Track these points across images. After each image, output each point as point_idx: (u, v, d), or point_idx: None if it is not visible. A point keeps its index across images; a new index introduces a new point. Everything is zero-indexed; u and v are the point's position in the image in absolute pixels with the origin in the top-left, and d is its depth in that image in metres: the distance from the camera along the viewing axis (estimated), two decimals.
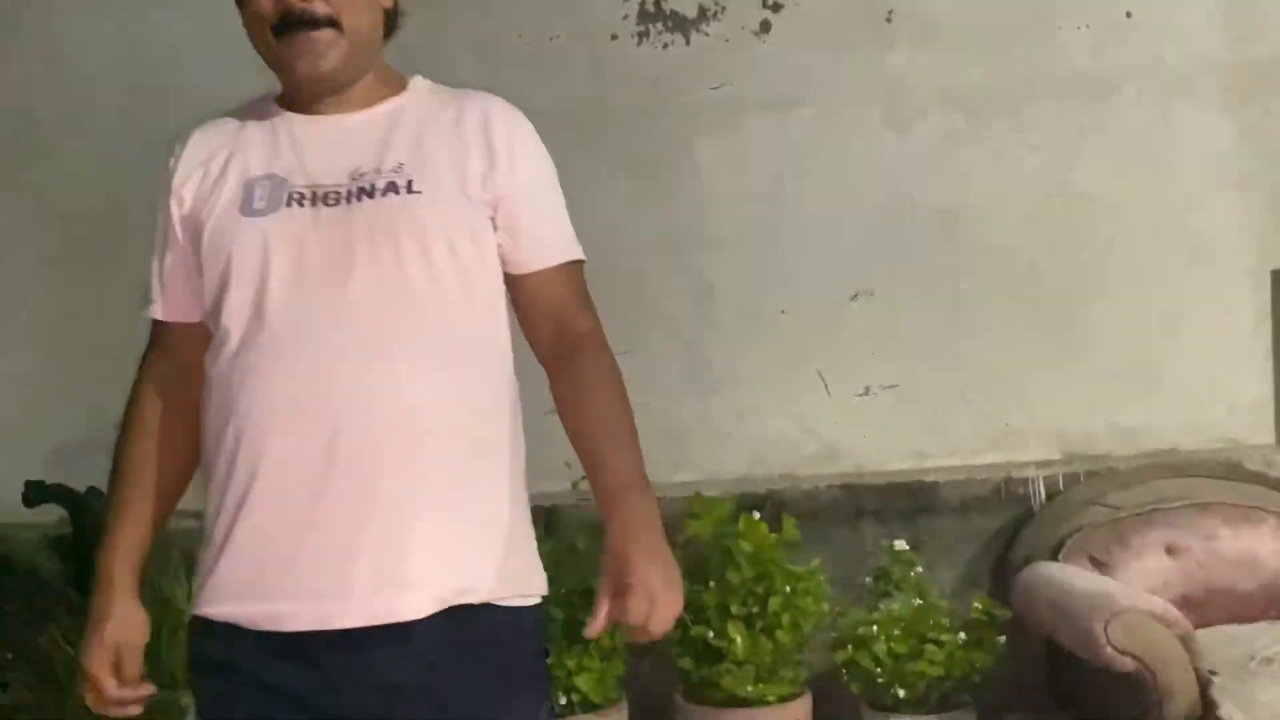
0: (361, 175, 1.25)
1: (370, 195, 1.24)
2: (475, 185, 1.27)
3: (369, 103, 1.31)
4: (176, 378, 1.32)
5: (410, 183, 1.24)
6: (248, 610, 1.21)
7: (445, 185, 1.26)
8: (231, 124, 1.35)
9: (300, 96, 1.31)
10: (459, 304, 1.25)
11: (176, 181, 1.31)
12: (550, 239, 1.34)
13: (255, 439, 1.20)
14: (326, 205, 1.24)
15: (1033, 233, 2.99)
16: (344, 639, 1.18)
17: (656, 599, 1.18)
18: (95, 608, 1.28)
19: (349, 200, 1.24)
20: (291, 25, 1.24)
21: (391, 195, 1.24)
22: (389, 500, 1.19)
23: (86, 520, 2.50)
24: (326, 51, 1.26)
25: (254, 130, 1.32)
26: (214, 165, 1.30)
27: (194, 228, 1.28)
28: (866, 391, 3.02)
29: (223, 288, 1.24)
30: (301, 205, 1.25)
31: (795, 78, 3.02)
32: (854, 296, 3.04)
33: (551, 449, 3.35)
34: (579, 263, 1.35)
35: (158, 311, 1.34)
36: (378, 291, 1.21)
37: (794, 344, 3.02)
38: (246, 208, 1.25)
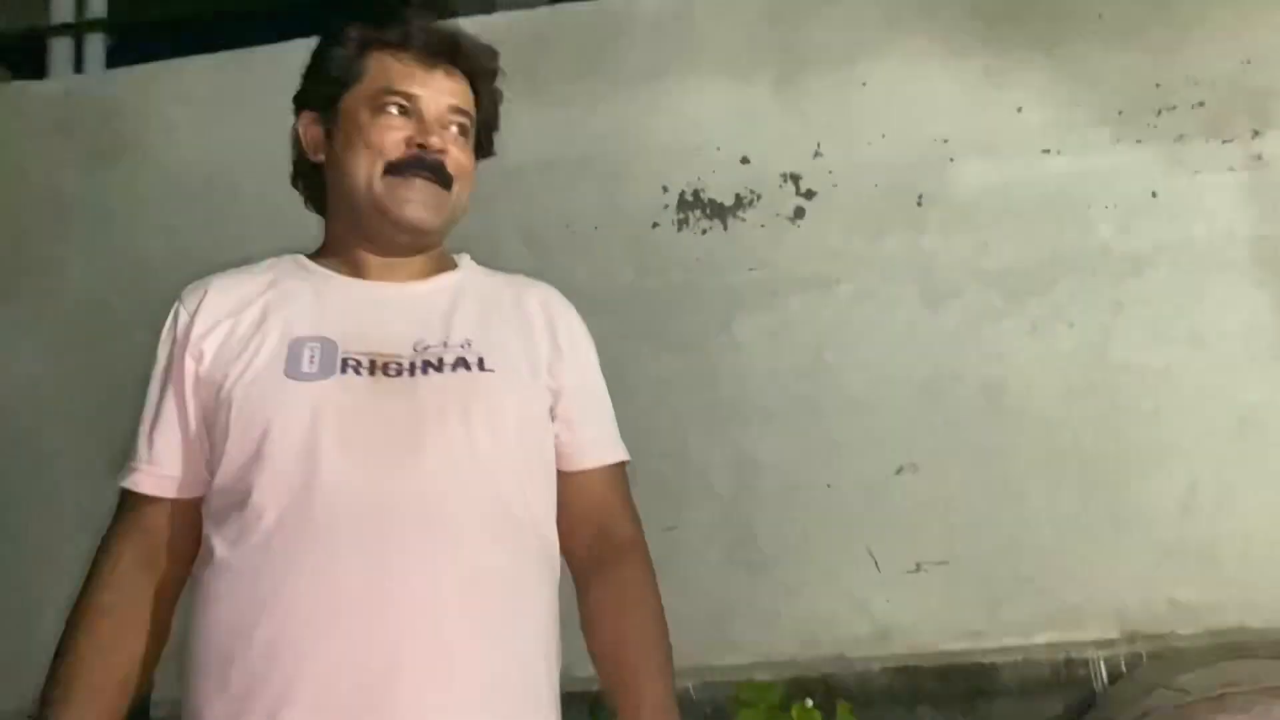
0: (426, 348, 1.16)
1: (438, 369, 1.15)
2: (543, 371, 1.25)
3: (425, 275, 1.25)
4: (148, 560, 1.13)
5: (481, 360, 1.17)
6: None
7: (517, 366, 1.22)
8: (259, 277, 1.22)
9: (373, 248, 1.19)
10: (526, 485, 1.18)
11: (196, 333, 1.15)
12: (605, 437, 1.32)
13: (300, 641, 1.02)
14: (386, 375, 1.13)
15: (1075, 406, 2.99)
16: None
17: None
18: None
19: (412, 372, 1.14)
20: (412, 169, 1.19)
21: (462, 371, 1.16)
22: (458, 705, 1.06)
23: None
24: (440, 206, 1.21)
25: (292, 287, 1.20)
26: (245, 319, 1.16)
27: (214, 388, 1.12)
28: (918, 568, 2.96)
29: (255, 460, 1.08)
30: (358, 373, 1.13)
31: (831, 259, 3.12)
32: (899, 470, 3.03)
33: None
34: (625, 464, 1.32)
35: (142, 483, 1.16)
36: (450, 468, 1.10)
37: (841, 519, 3.00)
38: (293, 370, 1.12)
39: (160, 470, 1.16)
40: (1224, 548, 2.89)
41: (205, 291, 1.21)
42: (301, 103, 1.31)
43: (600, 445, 1.32)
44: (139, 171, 3.36)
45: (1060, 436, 2.98)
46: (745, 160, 3.20)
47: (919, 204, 3.14)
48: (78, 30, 3.69)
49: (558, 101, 3.24)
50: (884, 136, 3.15)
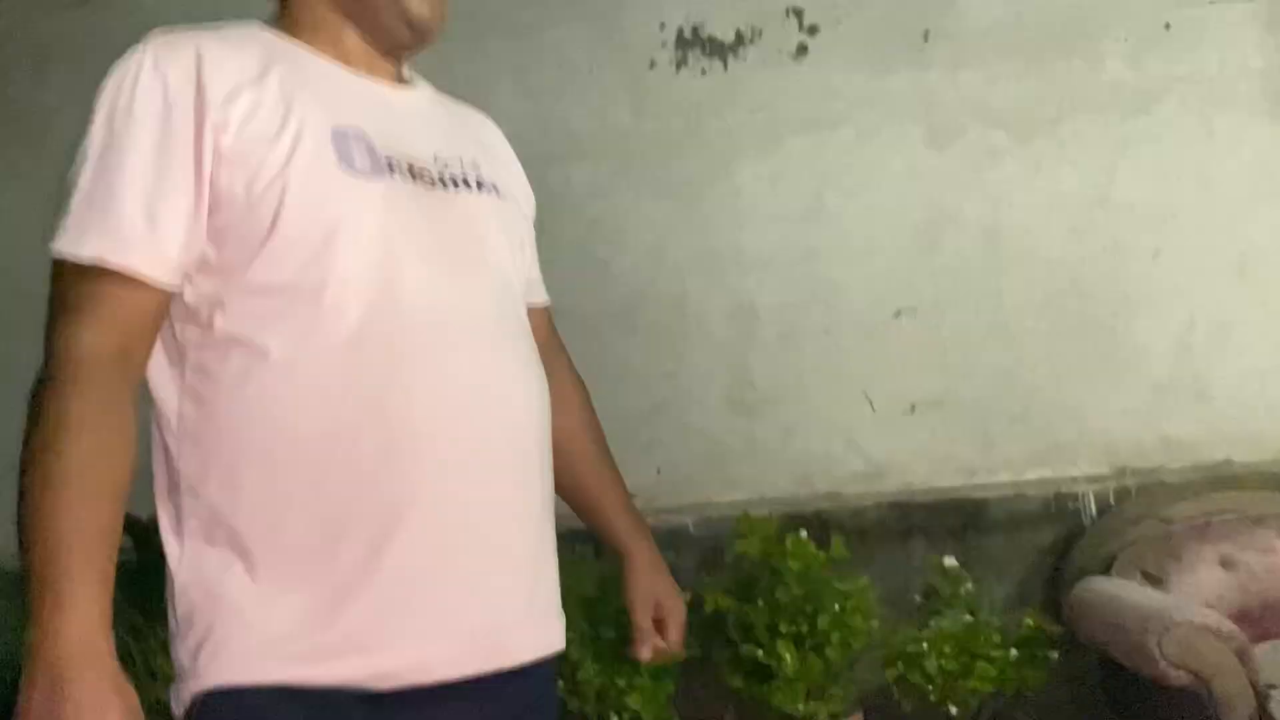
0: (445, 163, 1.08)
1: (469, 187, 1.09)
2: (527, 204, 1.26)
3: (401, 82, 1.13)
4: (118, 362, 0.91)
5: (495, 185, 1.14)
6: (381, 664, 0.92)
7: (519, 196, 1.22)
8: (246, 43, 1.01)
9: (368, 39, 1.07)
10: (524, 309, 1.16)
11: (215, 95, 0.94)
12: (539, 280, 1.32)
13: (416, 445, 0.93)
14: (424, 184, 1.04)
15: (1076, 246, 2.98)
16: (446, 691, 0.96)
17: (681, 624, 1.44)
18: (81, 700, 0.81)
19: (444, 185, 1.06)
20: None
21: (491, 194, 1.12)
22: (544, 511, 1.07)
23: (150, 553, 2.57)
24: (444, 9, 1.09)
25: (294, 62, 1.02)
26: (268, 92, 0.98)
27: (250, 169, 0.94)
28: (912, 409, 3.02)
29: (326, 255, 0.94)
30: (403, 177, 1.03)
31: (833, 99, 3.05)
32: (897, 314, 3.04)
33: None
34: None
35: (140, 263, 0.91)
36: (502, 289, 1.08)
37: (838, 362, 3.03)
38: (346, 163, 0.98)
39: (164, 250, 0.92)
40: (1217, 385, 2.93)
41: (199, 47, 0.97)
42: None
43: (540, 286, 1.33)
44: (115, 13, 3.25)
45: (1059, 277, 2.99)
46: None
47: (925, 39, 3.05)
48: None
49: None
50: None
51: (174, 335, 0.96)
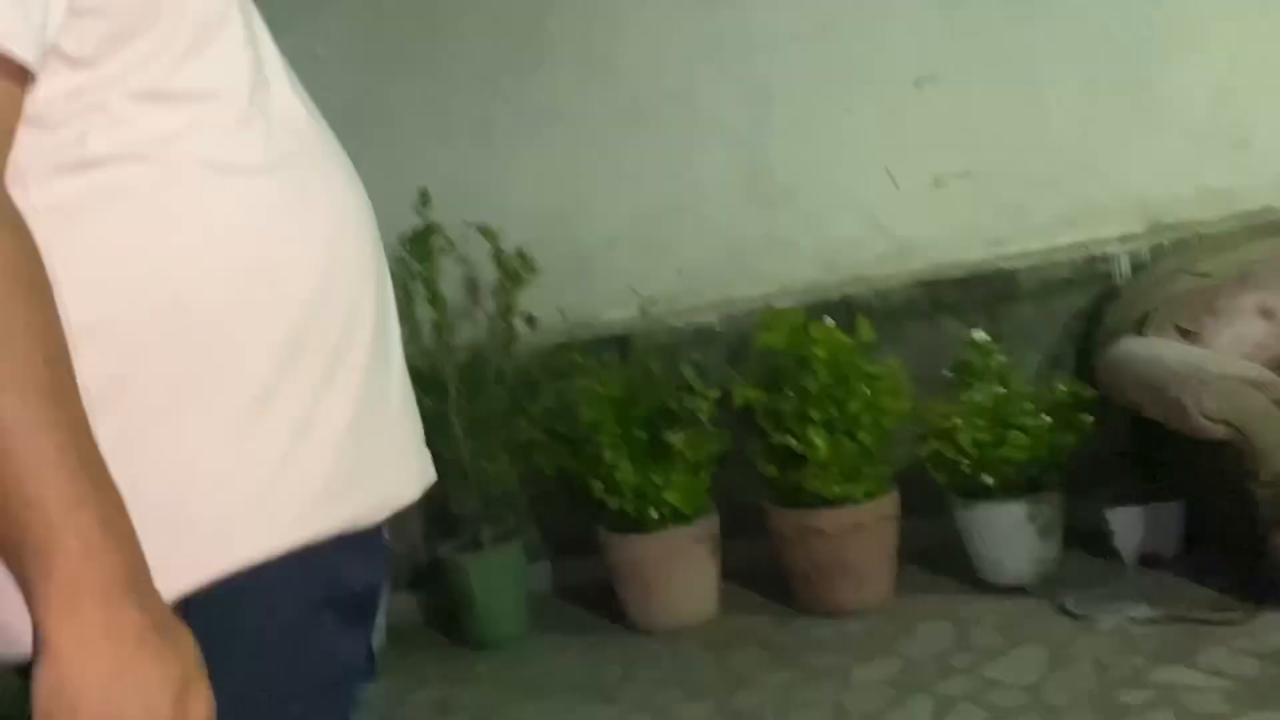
0: None
1: None
2: None
3: None
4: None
5: None
6: (351, 508, 0.81)
7: None
8: None
9: None
10: None
11: None
12: None
13: (361, 250, 0.83)
14: None
15: None
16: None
17: None
18: (153, 617, 0.67)
19: None
20: None
21: None
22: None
23: None
24: None
25: None
26: None
27: None
28: (938, 183, 2.91)
29: (213, 27, 0.78)
30: None
31: None
32: (918, 83, 2.89)
33: (616, 279, 3.34)
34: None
35: (27, 47, 0.68)
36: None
37: (859, 142, 2.92)
38: None
39: (44, 36, 0.70)
40: (1258, 129, 2.78)
41: None
42: None
43: None
44: None
45: (1088, 28, 2.80)
46: None
47: None
48: None
49: None
50: None
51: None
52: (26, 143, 0.72)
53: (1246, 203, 2.80)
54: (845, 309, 2.78)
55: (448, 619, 2.82)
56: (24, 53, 0.68)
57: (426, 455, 0.92)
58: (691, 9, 2.90)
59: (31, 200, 0.71)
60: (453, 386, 2.72)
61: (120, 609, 0.66)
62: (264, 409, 0.77)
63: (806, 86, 2.92)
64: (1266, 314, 2.51)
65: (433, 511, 2.97)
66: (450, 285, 2.90)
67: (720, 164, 2.97)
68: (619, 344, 2.87)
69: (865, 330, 2.55)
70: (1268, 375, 2.14)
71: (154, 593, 0.69)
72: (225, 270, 0.77)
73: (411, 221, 2.76)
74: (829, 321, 2.56)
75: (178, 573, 0.72)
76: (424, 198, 2.78)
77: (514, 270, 2.84)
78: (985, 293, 2.78)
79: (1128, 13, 2.78)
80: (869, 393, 2.50)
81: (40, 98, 0.72)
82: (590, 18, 2.89)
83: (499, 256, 2.84)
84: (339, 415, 0.80)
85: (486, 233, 2.82)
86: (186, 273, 0.76)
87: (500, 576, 2.72)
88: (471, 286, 3.05)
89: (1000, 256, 2.85)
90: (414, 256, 2.73)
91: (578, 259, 3.00)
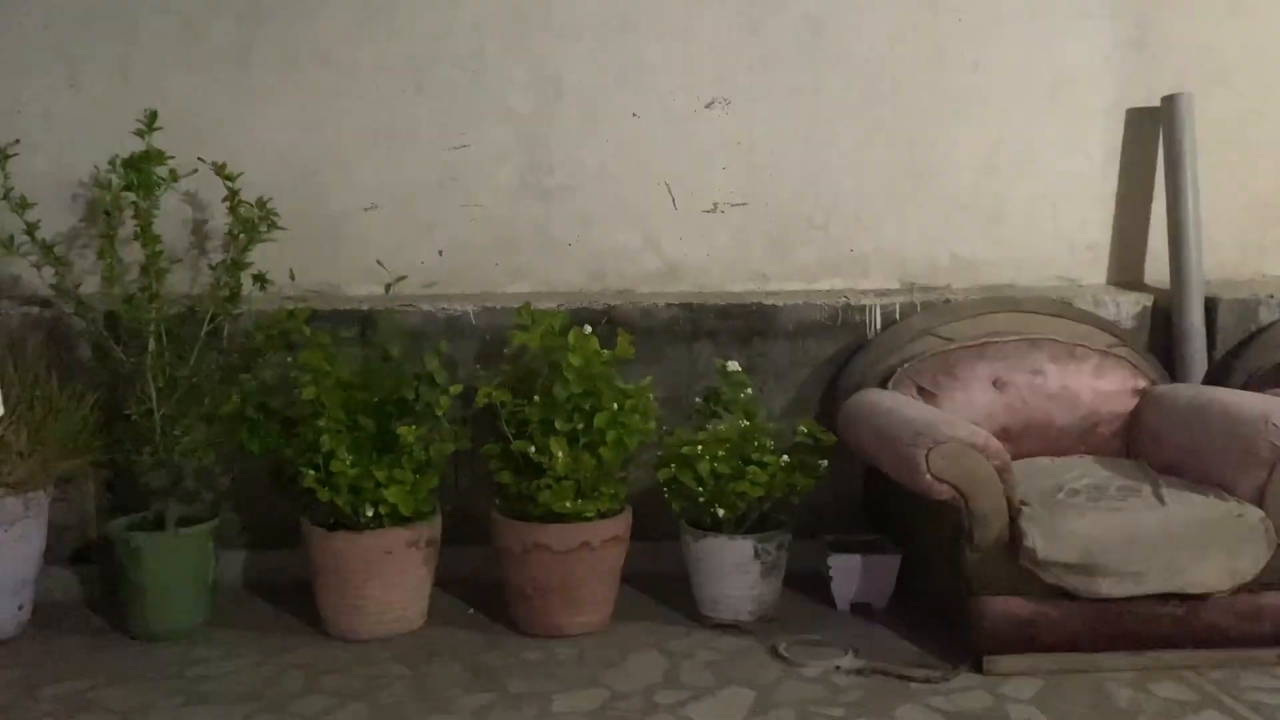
0: None
1: None
2: None
3: None
4: None
5: None
6: None
7: None
8: None
9: None
10: None
11: None
12: None
13: None
14: None
15: (897, 49, 2.84)
16: None
17: None
18: None
19: None
20: None
21: None
22: None
23: None
24: None
25: None
26: None
27: None
28: (715, 208, 2.88)
29: None
30: None
31: None
32: (710, 104, 2.85)
33: (364, 250, 3.11)
34: None
35: None
36: None
37: (643, 153, 2.84)
38: None
39: None
40: (1012, 208, 2.92)
41: None
42: None
43: None
44: None
45: (878, 82, 2.85)
46: None
47: None
48: None
49: None
50: None
51: None
52: None
53: (994, 276, 2.93)
54: (608, 320, 2.69)
55: (112, 603, 2.49)
56: None
57: None
58: None
59: None
60: (154, 340, 2.40)
61: None
62: None
63: (598, 83, 2.81)
64: (999, 385, 2.61)
65: (113, 480, 2.63)
66: (169, 226, 2.57)
67: (498, 145, 2.81)
68: (361, 321, 2.64)
69: (624, 346, 2.46)
70: (994, 443, 2.21)
71: None
72: None
73: (136, 146, 2.43)
74: (588, 330, 2.45)
75: None
76: (152, 118, 2.45)
77: (250, 221, 2.55)
78: (744, 325, 2.76)
79: (916, 75, 2.85)
80: (617, 409, 2.40)
81: None
82: None
83: (235, 203, 2.55)
84: None
85: (224, 173, 2.53)
86: None
87: (181, 561, 2.40)
88: (197, 231, 2.73)
89: (764, 291, 2.85)
90: (128, 185, 2.40)
91: (326, 220, 2.75)
